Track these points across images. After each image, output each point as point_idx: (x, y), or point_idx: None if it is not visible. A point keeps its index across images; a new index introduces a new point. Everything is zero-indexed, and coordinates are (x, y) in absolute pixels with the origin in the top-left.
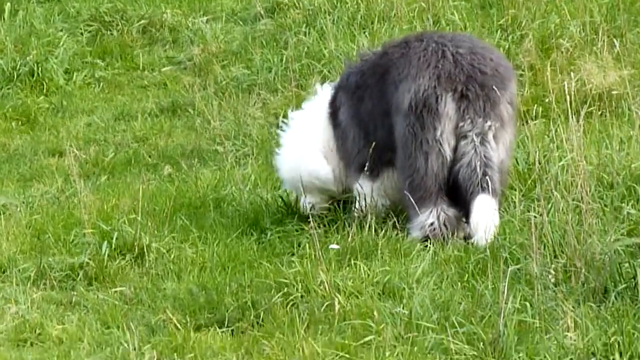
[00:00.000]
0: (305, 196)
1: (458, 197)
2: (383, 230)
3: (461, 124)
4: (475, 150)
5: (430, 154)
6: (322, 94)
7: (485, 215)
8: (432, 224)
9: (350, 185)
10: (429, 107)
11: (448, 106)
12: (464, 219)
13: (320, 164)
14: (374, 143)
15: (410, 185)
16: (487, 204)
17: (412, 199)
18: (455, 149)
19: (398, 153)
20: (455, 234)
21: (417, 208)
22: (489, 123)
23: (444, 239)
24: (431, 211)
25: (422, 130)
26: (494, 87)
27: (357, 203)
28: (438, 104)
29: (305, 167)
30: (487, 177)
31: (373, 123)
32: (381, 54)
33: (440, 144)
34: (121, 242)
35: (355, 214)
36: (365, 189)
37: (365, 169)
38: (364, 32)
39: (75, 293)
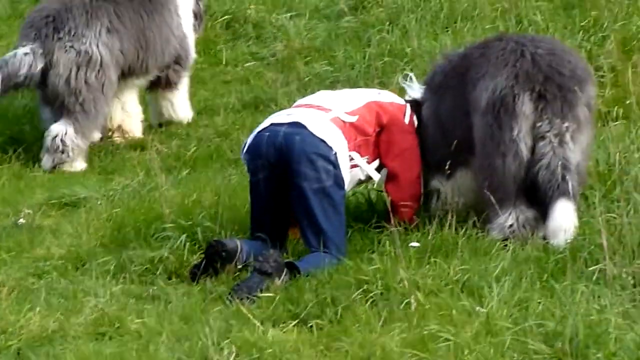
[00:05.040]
0: None
1: (537, 198)
2: (463, 229)
3: (539, 124)
4: (554, 151)
5: (508, 154)
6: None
7: (565, 220)
8: (511, 225)
9: (426, 180)
10: (507, 106)
11: (525, 105)
12: (542, 221)
13: None
14: (455, 142)
15: (489, 185)
16: (567, 209)
17: (492, 200)
18: (532, 150)
19: (477, 153)
20: (535, 234)
21: (497, 209)
22: (566, 124)
23: (523, 239)
24: (510, 213)
25: (499, 129)
26: (572, 88)
27: (434, 200)
28: (515, 103)
29: None
30: (566, 180)
31: (452, 122)
32: (462, 55)
33: (517, 144)
34: (201, 237)
35: (434, 212)
36: (441, 187)
37: (447, 167)
38: (447, 31)
39: (154, 287)
